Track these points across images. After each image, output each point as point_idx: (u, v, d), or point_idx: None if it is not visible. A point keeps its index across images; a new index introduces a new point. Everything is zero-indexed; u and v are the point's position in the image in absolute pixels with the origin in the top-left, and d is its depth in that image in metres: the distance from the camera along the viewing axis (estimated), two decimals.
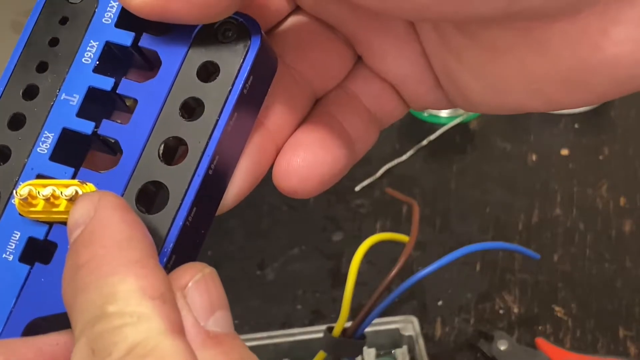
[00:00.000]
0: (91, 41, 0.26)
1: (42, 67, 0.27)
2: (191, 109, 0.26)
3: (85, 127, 0.26)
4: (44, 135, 0.26)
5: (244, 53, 0.26)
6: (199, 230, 0.25)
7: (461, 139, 0.74)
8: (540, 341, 0.56)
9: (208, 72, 0.26)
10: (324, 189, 0.28)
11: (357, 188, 0.68)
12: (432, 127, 0.74)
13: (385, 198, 0.67)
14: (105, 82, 0.26)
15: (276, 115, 0.28)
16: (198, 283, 0.22)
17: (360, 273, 0.50)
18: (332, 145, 0.28)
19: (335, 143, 0.28)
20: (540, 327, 0.59)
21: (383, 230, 0.65)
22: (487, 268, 0.63)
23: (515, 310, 0.60)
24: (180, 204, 0.25)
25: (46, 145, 0.26)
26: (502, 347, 0.56)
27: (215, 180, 0.26)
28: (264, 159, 0.28)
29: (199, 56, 0.26)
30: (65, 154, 0.26)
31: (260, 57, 0.26)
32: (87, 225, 0.22)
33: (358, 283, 0.50)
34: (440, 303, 0.61)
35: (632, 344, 0.58)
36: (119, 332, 0.20)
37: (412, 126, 0.74)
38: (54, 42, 0.27)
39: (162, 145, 0.25)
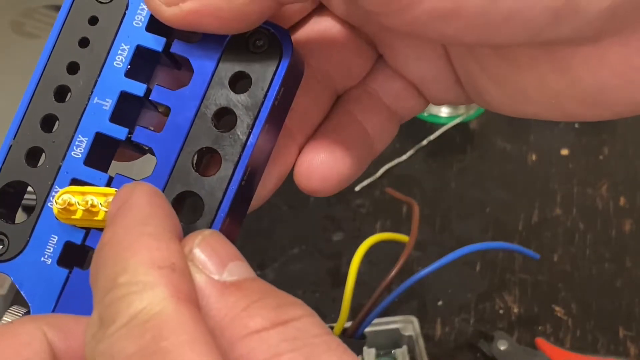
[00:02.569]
0: (122, 44, 0.26)
1: (72, 68, 0.27)
2: (222, 117, 0.26)
3: (119, 133, 0.26)
4: (78, 139, 0.26)
5: (276, 65, 0.26)
6: (231, 236, 0.26)
7: (461, 139, 0.74)
8: (540, 341, 0.56)
9: (239, 82, 0.26)
10: (343, 188, 0.29)
11: (357, 188, 0.68)
12: (432, 127, 0.74)
13: (385, 198, 0.67)
14: (137, 88, 0.26)
15: (298, 116, 0.28)
16: (200, 245, 0.22)
17: (360, 273, 0.50)
18: (351, 146, 0.29)
19: (355, 144, 0.29)
20: (540, 327, 0.59)
21: (383, 230, 0.65)
22: (487, 268, 0.63)
23: (515, 310, 0.60)
24: (215, 215, 0.25)
25: (80, 150, 0.26)
26: (502, 347, 0.56)
27: (246, 189, 0.26)
28: (288, 160, 0.29)
29: (231, 66, 0.26)
30: (99, 158, 0.27)
31: (291, 68, 0.26)
32: (117, 209, 0.23)
33: (358, 283, 0.50)
34: (440, 303, 0.61)
35: (632, 344, 0.58)
36: (124, 300, 0.20)
37: (412, 126, 0.74)
38: (84, 42, 0.27)
39: (196, 156, 0.26)
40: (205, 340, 0.19)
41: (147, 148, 0.26)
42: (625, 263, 0.63)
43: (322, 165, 0.28)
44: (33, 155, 0.26)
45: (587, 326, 0.59)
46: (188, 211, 0.26)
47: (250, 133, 0.25)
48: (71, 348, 0.22)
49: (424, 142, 0.72)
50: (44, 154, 0.26)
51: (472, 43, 0.26)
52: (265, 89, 0.25)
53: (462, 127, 0.74)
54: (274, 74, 0.25)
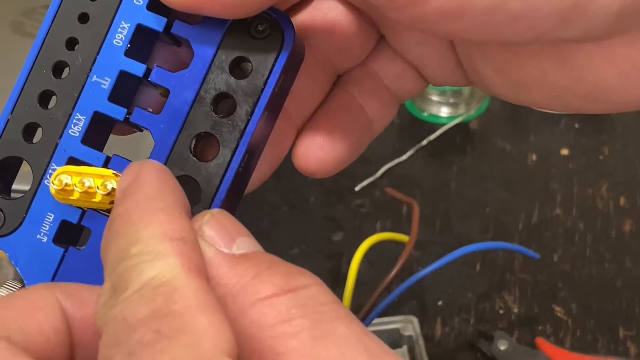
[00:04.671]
0: (122, 22, 0.26)
1: (71, 44, 0.26)
2: (221, 102, 0.26)
3: (117, 113, 0.26)
4: (76, 117, 0.26)
5: (277, 53, 0.25)
6: None
7: (461, 139, 0.74)
8: (540, 341, 0.56)
9: (240, 66, 0.26)
10: (342, 169, 0.29)
11: (357, 188, 0.68)
12: (432, 127, 0.74)
13: (385, 198, 0.67)
14: (137, 68, 0.26)
15: (297, 98, 0.28)
16: (209, 221, 0.23)
17: (360, 273, 0.50)
18: (350, 128, 0.29)
19: (354, 125, 0.29)
20: (540, 327, 0.59)
21: (383, 230, 0.65)
22: (487, 268, 0.63)
23: (515, 310, 0.60)
24: (212, 201, 0.25)
25: (78, 128, 0.26)
26: (502, 347, 0.56)
27: (243, 175, 0.26)
28: (285, 143, 0.29)
29: (232, 50, 0.26)
30: (96, 137, 0.26)
31: (293, 55, 0.26)
32: (127, 185, 0.23)
33: (358, 283, 0.50)
34: (440, 303, 0.61)
35: (632, 344, 0.58)
36: (137, 268, 0.20)
37: (412, 126, 0.74)
38: (83, 18, 0.26)
39: (194, 140, 0.26)
40: (214, 306, 0.20)
41: (143, 130, 0.26)
42: (625, 263, 0.63)
43: (320, 148, 0.28)
44: (30, 131, 0.26)
45: (587, 326, 0.59)
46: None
47: (249, 120, 0.25)
48: (84, 316, 0.23)
49: (424, 142, 0.72)
50: (41, 130, 0.26)
51: (477, 41, 0.26)
52: (266, 76, 0.25)
53: (462, 127, 0.74)
54: (275, 61, 0.25)
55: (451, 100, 0.74)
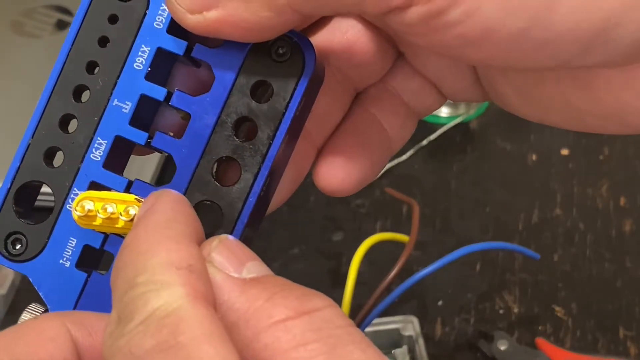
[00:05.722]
0: (142, 45, 0.26)
1: (91, 67, 0.26)
2: (242, 125, 0.26)
3: (139, 137, 0.26)
4: (97, 142, 0.26)
5: (298, 76, 0.25)
6: (247, 244, 0.26)
7: (461, 139, 0.73)
8: (540, 341, 0.56)
9: (261, 90, 0.26)
10: (362, 187, 0.29)
11: None
12: (432, 127, 0.74)
13: (385, 198, 0.67)
14: (158, 92, 0.26)
15: (317, 118, 0.28)
16: (217, 247, 0.23)
17: (360, 273, 0.50)
18: (370, 146, 0.29)
19: (374, 144, 0.29)
20: (540, 327, 0.59)
21: (383, 230, 0.65)
22: (487, 268, 0.63)
23: (515, 310, 0.60)
24: (234, 226, 0.25)
25: (99, 152, 0.26)
26: (502, 347, 0.56)
27: (265, 198, 0.26)
28: (305, 163, 0.29)
29: (252, 74, 0.25)
30: (117, 161, 0.26)
31: (313, 78, 0.25)
32: (142, 215, 0.23)
33: (358, 283, 0.50)
34: (440, 303, 0.61)
35: (632, 344, 0.58)
36: (142, 297, 0.20)
37: None
38: (103, 41, 0.26)
39: (215, 165, 0.25)
40: (220, 335, 0.20)
41: (165, 154, 0.26)
42: (625, 263, 0.63)
43: (341, 167, 0.28)
44: (51, 156, 0.26)
45: (587, 326, 0.59)
46: (206, 221, 0.25)
47: (271, 144, 0.25)
48: (94, 345, 0.23)
49: (424, 142, 0.72)
50: (62, 154, 0.26)
51: (500, 67, 0.26)
52: (287, 100, 0.25)
53: (462, 127, 0.74)
54: (296, 85, 0.25)
55: (451, 100, 0.74)
